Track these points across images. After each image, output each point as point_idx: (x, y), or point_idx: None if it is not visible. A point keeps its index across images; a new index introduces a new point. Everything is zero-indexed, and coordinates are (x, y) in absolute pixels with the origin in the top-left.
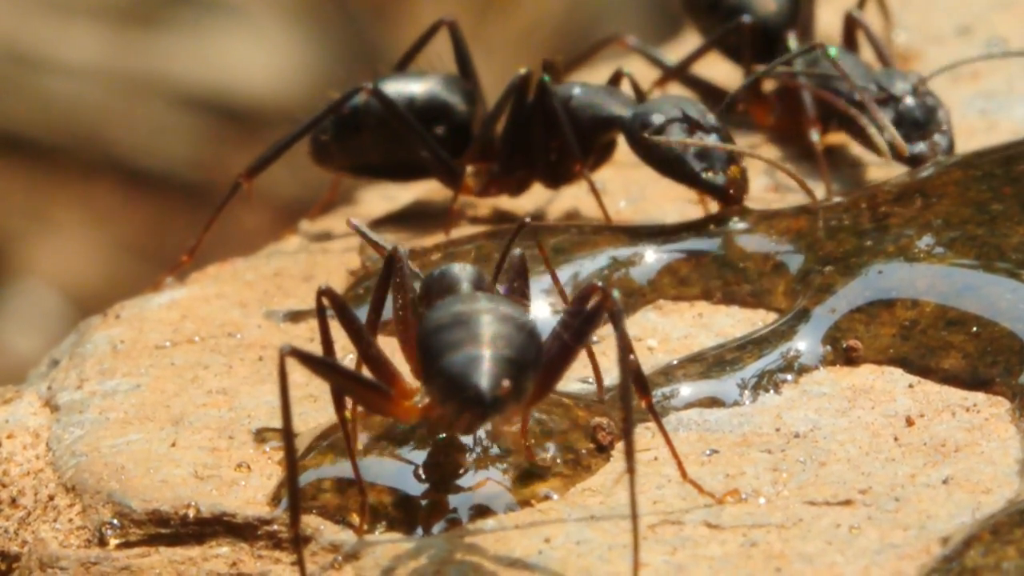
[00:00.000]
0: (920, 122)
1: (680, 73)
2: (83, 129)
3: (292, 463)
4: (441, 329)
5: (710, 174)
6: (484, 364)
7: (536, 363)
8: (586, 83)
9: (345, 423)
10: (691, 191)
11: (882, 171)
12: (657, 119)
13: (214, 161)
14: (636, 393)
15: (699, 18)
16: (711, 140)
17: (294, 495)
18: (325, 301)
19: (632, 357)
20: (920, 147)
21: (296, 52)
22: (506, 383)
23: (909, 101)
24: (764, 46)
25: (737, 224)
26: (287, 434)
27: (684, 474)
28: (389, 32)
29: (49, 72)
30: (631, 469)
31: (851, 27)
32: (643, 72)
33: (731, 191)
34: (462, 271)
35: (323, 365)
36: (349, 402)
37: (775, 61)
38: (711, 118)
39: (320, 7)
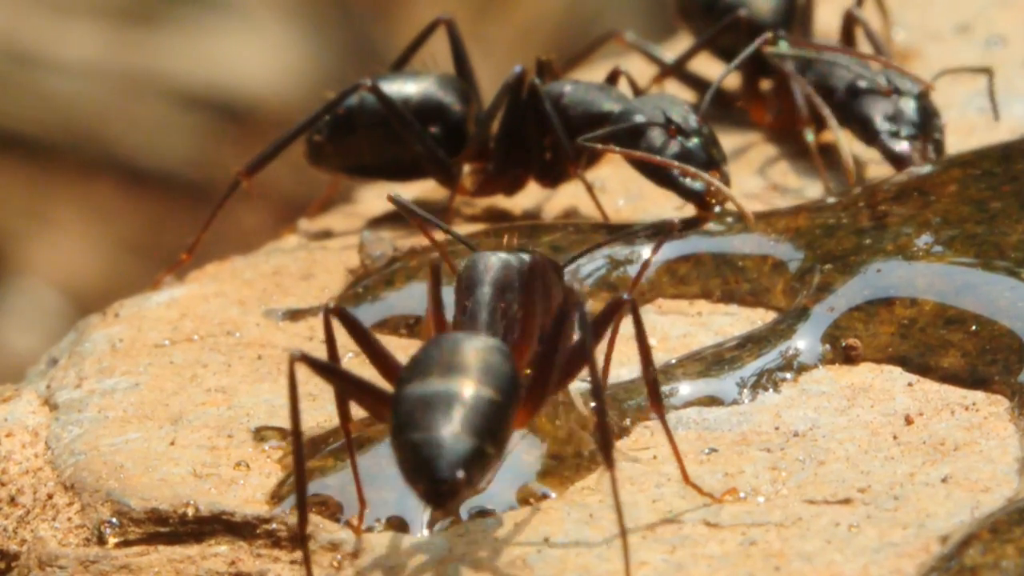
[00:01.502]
0: (916, 123)
1: (678, 70)
2: (82, 127)
3: (300, 468)
4: (407, 399)
5: (688, 178)
6: (440, 455)
7: (503, 441)
8: (577, 80)
9: (349, 432)
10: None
11: (880, 170)
12: (638, 119)
13: (213, 159)
14: (650, 403)
15: (694, 21)
16: (690, 144)
17: (302, 499)
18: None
19: (652, 369)
20: (904, 146)
21: (295, 50)
22: (461, 475)
23: (912, 100)
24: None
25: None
26: (296, 440)
27: (686, 477)
28: (388, 31)
29: (48, 70)
30: (610, 465)
31: (850, 25)
32: (641, 69)
33: (709, 196)
34: (485, 271)
35: (333, 372)
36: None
37: (742, 54)
38: (693, 120)
39: (319, 6)
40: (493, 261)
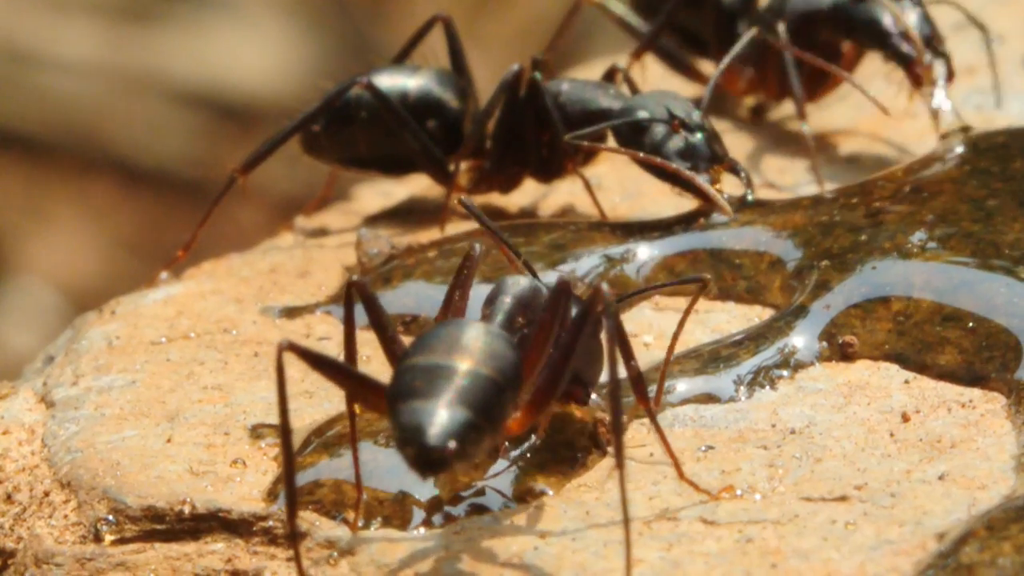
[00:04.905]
0: (925, 34)
1: (652, 44)
2: (80, 125)
3: (289, 458)
4: (408, 370)
5: (693, 172)
6: (433, 422)
7: (498, 420)
8: (575, 78)
9: (354, 416)
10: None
11: (876, 167)
12: (641, 115)
13: (210, 157)
14: (637, 400)
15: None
16: (694, 139)
17: (290, 489)
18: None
19: (633, 363)
20: (912, 49)
21: (292, 48)
22: (452, 444)
23: (914, 14)
24: (725, 29)
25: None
26: (284, 429)
27: (681, 474)
28: (385, 28)
29: (46, 68)
30: (620, 465)
31: None
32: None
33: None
34: (514, 285)
35: (321, 361)
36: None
37: (737, 45)
38: (696, 116)
39: (317, 4)
40: (520, 282)
